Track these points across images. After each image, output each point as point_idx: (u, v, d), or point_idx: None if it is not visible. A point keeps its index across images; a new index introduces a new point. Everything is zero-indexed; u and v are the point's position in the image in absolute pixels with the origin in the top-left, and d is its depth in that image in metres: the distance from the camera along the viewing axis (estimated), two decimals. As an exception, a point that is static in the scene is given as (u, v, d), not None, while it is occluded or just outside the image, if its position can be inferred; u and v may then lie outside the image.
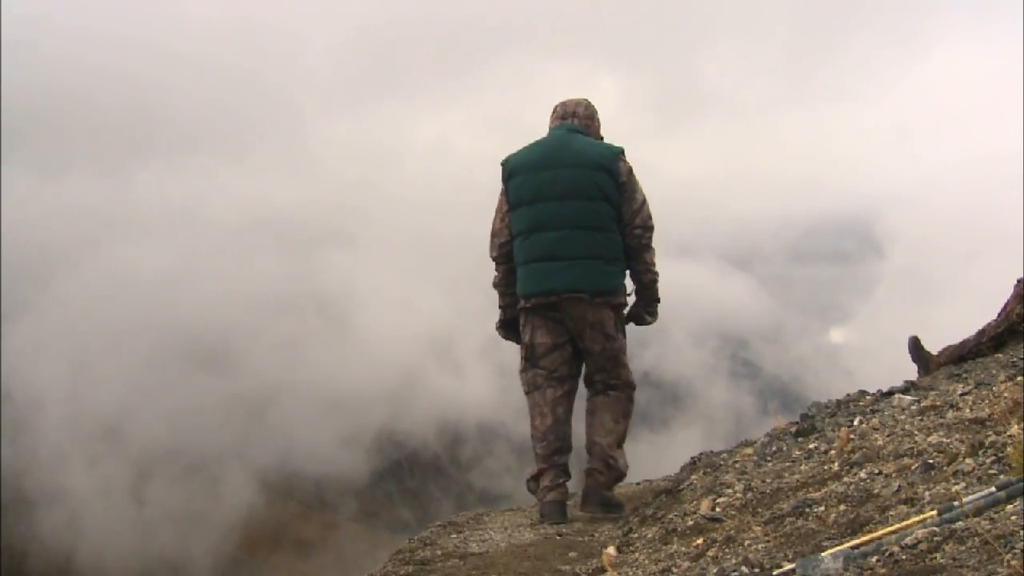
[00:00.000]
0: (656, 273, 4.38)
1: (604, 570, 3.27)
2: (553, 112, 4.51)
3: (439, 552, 4.05)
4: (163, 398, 34.91)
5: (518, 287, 4.38)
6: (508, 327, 4.58)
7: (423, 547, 4.18)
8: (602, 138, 4.53)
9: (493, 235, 4.51)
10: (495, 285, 4.57)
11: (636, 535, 3.63)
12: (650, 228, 4.31)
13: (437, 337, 43.04)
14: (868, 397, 4.78)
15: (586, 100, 4.52)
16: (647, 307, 4.46)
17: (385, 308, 44.24)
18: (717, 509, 3.39)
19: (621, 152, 4.31)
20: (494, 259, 4.53)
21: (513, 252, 4.40)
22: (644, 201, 4.30)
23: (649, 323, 4.49)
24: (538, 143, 4.43)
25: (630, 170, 4.29)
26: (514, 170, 4.38)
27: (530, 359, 4.33)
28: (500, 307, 4.58)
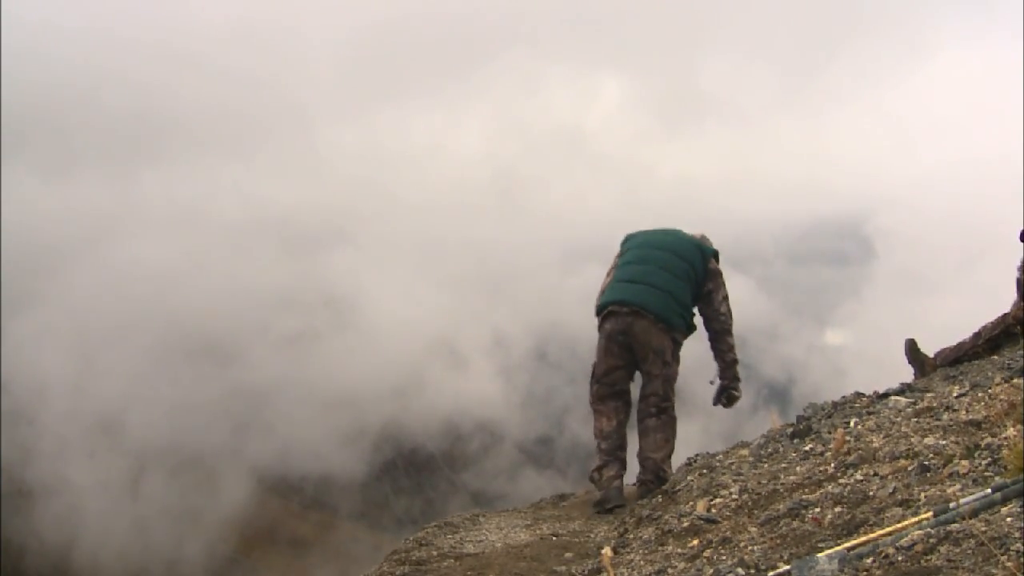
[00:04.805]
0: (737, 356, 5.18)
1: (600, 571, 3.27)
2: None
3: (435, 552, 4.05)
4: (164, 394, 34.90)
5: (601, 298, 5.12)
6: None
7: (419, 547, 4.18)
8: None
9: (601, 291, 5.24)
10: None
11: (632, 536, 3.63)
12: (731, 319, 5.18)
13: (438, 337, 43.04)
14: (864, 399, 4.79)
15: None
16: (732, 383, 5.17)
17: (387, 308, 44.25)
18: (713, 510, 3.39)
19: (716, 252, 5.24)
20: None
21: None
22: (728, 296, 5.18)
23: (737, 399, 5.19)
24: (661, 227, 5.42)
25: (719, 268, 5.20)
26: (633, 236, 5.38)
27: (596, 375, 5.09)
28: None
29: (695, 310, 5.17)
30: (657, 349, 4.91)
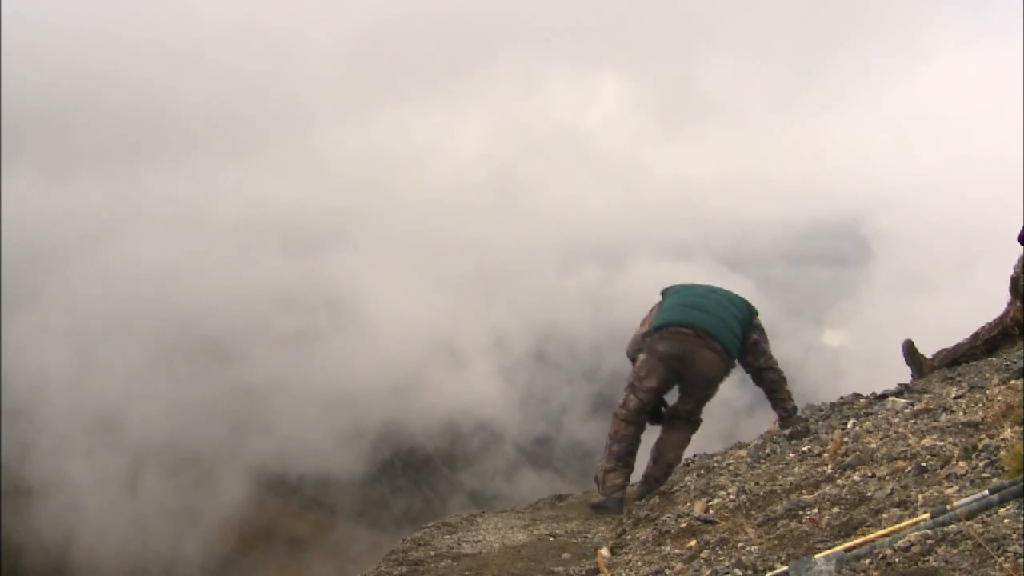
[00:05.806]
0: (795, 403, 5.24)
1: (597, 571, 3.27)
2: None
3: (432, 553, 4.05)
4: (163, 393, 34.94)
5: (658, 319, 5.06)
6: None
7: (416, 547, 4.18)
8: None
9: (634, 337, 5.21)
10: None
11: (629, 536, 3.63)
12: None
13: (437, 337, 43.11)
14: (862, 400, 4.79)
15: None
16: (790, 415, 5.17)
17: (386, 308, 44.32)
18: (710, 511, 3.39)
19: (757, 312, 5.28)
20: (628, 355, 5.23)
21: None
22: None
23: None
24: None
25: (762, 324, 5.23)
26: (675, 285, 5.38)
27: (634, 387, 5.05)
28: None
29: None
30: (711, 379, 5.01)
